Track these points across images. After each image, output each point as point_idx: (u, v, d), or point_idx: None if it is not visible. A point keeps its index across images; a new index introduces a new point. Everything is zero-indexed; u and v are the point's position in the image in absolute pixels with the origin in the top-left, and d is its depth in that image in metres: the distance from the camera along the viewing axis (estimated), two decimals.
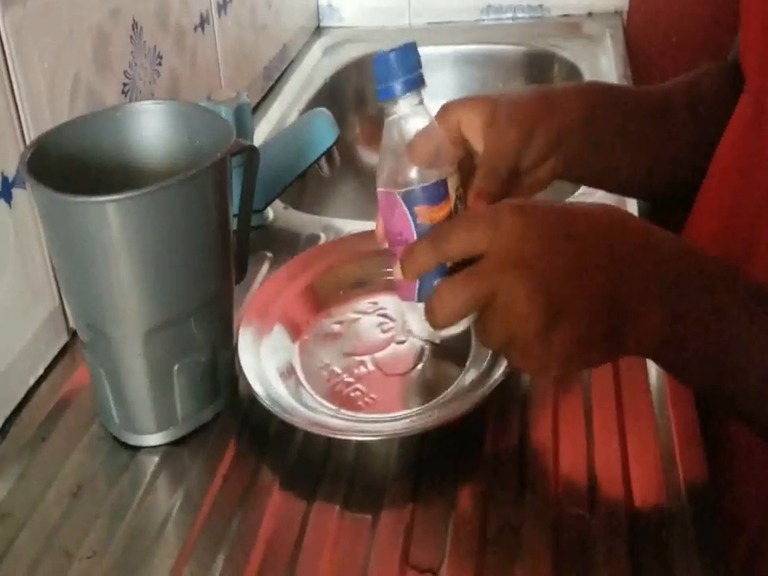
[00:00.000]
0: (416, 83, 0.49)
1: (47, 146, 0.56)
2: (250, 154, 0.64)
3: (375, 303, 0.72)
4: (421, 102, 0.49)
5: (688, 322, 0.47)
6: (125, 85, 0.75)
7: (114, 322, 0.54)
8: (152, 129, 0.62)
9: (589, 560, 0.50)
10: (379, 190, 0.50)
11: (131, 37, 0.76)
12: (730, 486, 0.61)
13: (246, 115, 0.80)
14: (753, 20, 0.63)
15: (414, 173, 0.48)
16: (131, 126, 0.61)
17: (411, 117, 0.49)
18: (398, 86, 0.48)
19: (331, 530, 0.53)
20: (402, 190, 0.48)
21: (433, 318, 0.47)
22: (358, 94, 1.33)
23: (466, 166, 0.56)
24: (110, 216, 0.51)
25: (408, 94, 0.49)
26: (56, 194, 0.50)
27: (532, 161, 0.58)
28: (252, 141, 0.83)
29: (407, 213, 0.48)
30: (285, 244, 0.83)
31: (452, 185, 0.49)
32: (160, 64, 0.82)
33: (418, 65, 0.49)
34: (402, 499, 0.55)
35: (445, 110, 0.57)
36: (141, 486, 0.56)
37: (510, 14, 1.38)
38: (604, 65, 1.21)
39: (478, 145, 0.57)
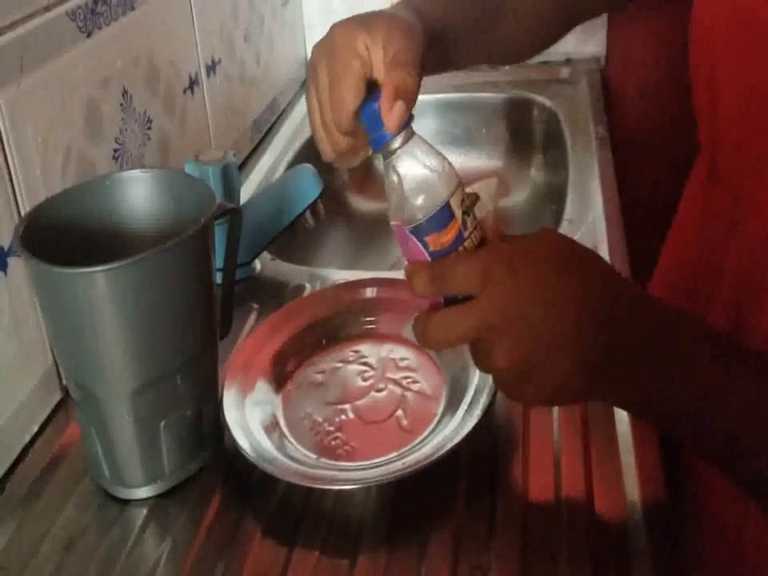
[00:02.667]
0: (403, 125, 0.51)
1: (39, 218, 0.60)
2: (233, 216, 0.68)
3: (357, 352, 0.75)
4: (412, 135, 0.52)
5: (668, 385, 0.50)
6: (115, 150, 0.79)
7: (102, 383, 0.58)
8: (140, 196, 0.66)
9: None
10: (392, 223, 0.53)
11: (121, 104, 0.80)
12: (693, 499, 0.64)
13: (232, 174, 0.84)
14: (702, 91, 0.66)
15: (416, 210, 0.51)
16: (120, 194, 0.65)
17: (406, 155, 0.51)
18: (386, 134, 0.51)
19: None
20: (410, 226, 0.51)
21: (423, 342, 0.50)
22: None
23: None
24: (99, 285, 0.54)
25: (397, 136, 0.51)
26: (47, 265, 0.54)
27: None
28: (239, 198, 0.87)
29: (419, 244, 0.51)
30: (271, 295, 0.87)
31: (456, 202, 0.51)
32: (150, 128, 0.87)
33: None
34: (378, 544, 0.58)
35: (346, 35, 0.55)
36: (130, 537, 0.59)
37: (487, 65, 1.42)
38: (581, 109, 1.26)
39: (378, 52, 0.55)
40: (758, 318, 0.64)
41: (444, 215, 0.50)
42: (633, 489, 0.59)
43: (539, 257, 0.48)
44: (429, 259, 0.51)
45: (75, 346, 0.57)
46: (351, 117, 0.54)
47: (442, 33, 0.63)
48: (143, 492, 0.62)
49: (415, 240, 0.51)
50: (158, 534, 0.60)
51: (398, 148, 0.51)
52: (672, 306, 0.51)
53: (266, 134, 1.26)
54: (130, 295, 0.55)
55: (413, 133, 0.52)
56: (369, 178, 1.36)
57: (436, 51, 0.61)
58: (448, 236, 0.50)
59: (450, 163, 0.52)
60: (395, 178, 0.52)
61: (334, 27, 0.57)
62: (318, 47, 0.58)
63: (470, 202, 0.52)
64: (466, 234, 0.51)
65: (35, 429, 0.69)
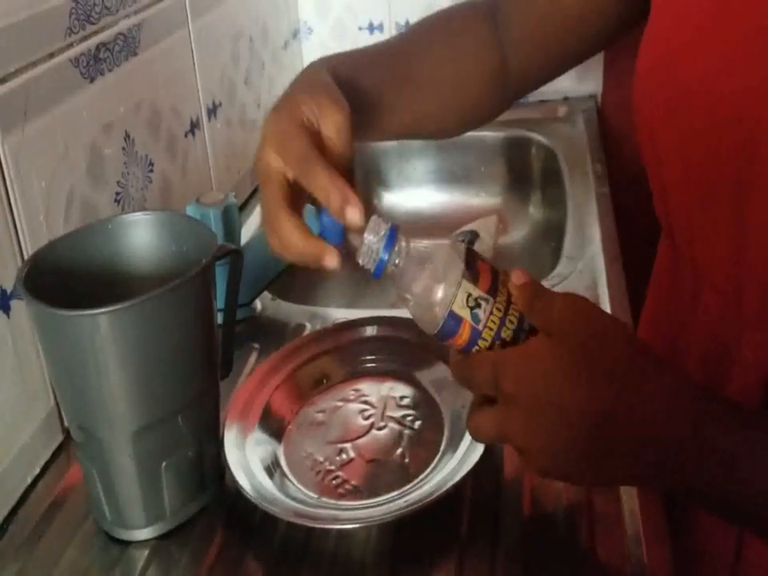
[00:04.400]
0: (390, 244, 0.51)
1: (42, 261, 0.61)
2: (234, 257, 0.69)
3: (357, 390, 0.76)
4: (405, 246, 0.52)
5: (698, 474, 0.49)
6: (117, 194, 0.80)
7: (104, 425, 0.58)
8: (141, 238, 0.66)
9: None
10: None
11: (123, 148, 0.82)
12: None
13: (233, 216, 0.85)
14: (650, 163, 0.66)
15: (426, 325, 0.53)
16: (122, 237, 0.66)
17: (405, 267, 0.52)
18: (380, 262, 0.51)
19: None
20: (429, 334, 0.53)
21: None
22: None
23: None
24: (101, 327, 0.55)
25: (388, 256, 0.51)
26: (49, 308, 0.55)
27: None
28: (239, 238, 0.88)
29: (444, 342, 0.53)
30: (272, 335, 0.87)
31: (460, 304, 0.51)
32: (152, 171, 0.88)
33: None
34: None
35: (277, 118, 0.54)
36: None
37: None
38: (579, 146, 1.27)
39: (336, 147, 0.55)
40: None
41: (451, 323, 0.52)
42: (633, 527, 0.59)
43: (548, 360, 0.49)
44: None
45: (77, 387, 0.58)
46: (289, 227, 0.51)
47: (361, 98, 0.62)
48: (144, 533, 0.62)
49: (439, 341, 0.53)
50: (159, 575, 0.59)
51: (395, 261, 0.52)
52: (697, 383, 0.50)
53: None
54: (132, 337, 0.56)
55: (405, 242, 0.52)
56: (367, 215, 1.37)
57: (359, 117, 0.58)
58: (462, 338, 0.52)
59: (448, 252, 0.52)
60: (401, 289, 0.53)
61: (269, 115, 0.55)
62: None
63: (478, 296, 0.51)
64: (480, 327, 0.51)
65: (37, 471, 0.69)
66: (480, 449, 0.63)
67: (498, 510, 0.62)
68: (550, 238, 1.20)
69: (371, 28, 1.41)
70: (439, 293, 0.51)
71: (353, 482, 0.65)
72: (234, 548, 0.61)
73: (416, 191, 1.38)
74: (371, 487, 0.65)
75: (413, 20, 1.39)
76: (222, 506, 0.65)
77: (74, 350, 0.56)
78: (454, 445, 0.66)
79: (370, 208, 1.39)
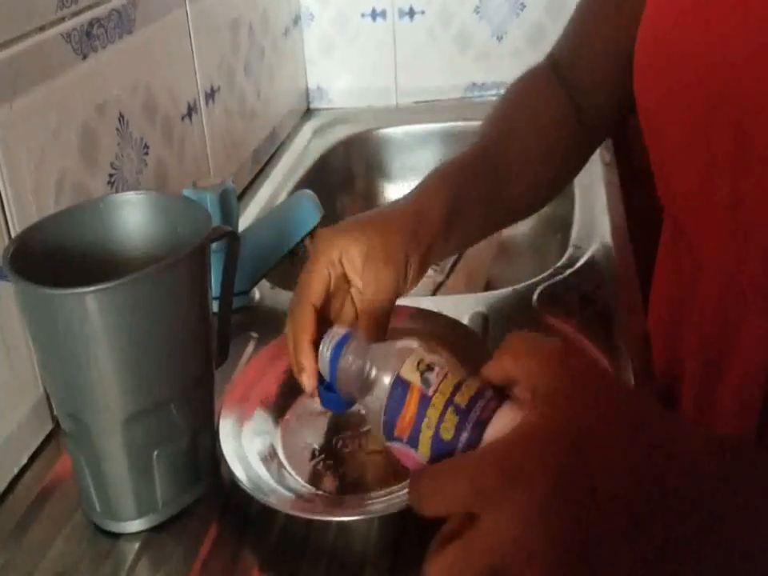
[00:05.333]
0: (338, 346, 0.51)
1: (30, 240, 0.58)
2: (231, 240, 0.66)
3: None
4: (359, 346, 0.51)
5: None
6: (111, 176, 0.78)
7: (93, 411, 0.56)
8: (134, 219, 0.64)
9: None
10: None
11: (117, 129, 0.79)
12: None
13: (230, 200, 0.82)
14: (653, 147, 0.65)
15: (374, 422, 0.47)
16: (114, 218, 0.63)
17: (359, 368, 0.49)
18: (331, 365, 0.51)
19: None
20: (384, 436, 0.47)
21: None
22: (346, 173, 1.36)
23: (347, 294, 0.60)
24: (89, 307, 0.52)
25: (334, 355, 0.51)
26: (35, 286, 0.52)
27: (412, 279, 0.61)
28: (237, 225, 0.86)
29: (395, 445, 0.47)
30: (270, 324, 0.84)
31: (409, 367, 0.46)
32: (147, 154, 0.85)
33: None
34: None
35: (326, 244, 0.59)
36: (121, 573, 0.56)
37: (493, 91, 1.42)
38: None
39: (358, 282, 0.60)
40: (722, 394, 0.62)
41: (398, 393, 0.45)
42: None
43: (535, 458, 0.38)
44: (417, 458, 0.45)
45: (65, 372, 0.55)
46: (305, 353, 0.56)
47: (460, 210, 0.64)
48: (135, 525, 0.59)
49: (394, 445, 0.47)
50: (150, 569, 0.57)
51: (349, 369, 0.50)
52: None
53: (265, 165, 1.25)
54: (122, 318, 0.53)
55: (360, 342, 0.51)
56: (369, 208, 1.35)
57: (456, 227, 0.63)
58: (409, 412, 0.44)
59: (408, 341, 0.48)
60: (361, 401, 0.49)
61: (317, 237, 0.61)
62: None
63: (431, 361, 0.46)
64: (430, 392, 0.44)
65: (24, 461, 0.67)
66: None
67: None
68: (557, 229, 1.17)
69: (374, 15, 1.39)
70: (388, 368, 0.47)
71: (353, 474, 0.63)
72: (230, 541, 0.59)
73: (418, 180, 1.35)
74: (373, 479, 0.62)
75: (416, 7, 1.37)
76: (217, 498, 0.62)
77: (61, 332, 0.53)
78: None
79: (368, 199, 1.37)
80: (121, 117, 0.80)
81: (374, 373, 0.48)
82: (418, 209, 0.61)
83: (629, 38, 0.64)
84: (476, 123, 1.42)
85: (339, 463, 0.64)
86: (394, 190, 1.37)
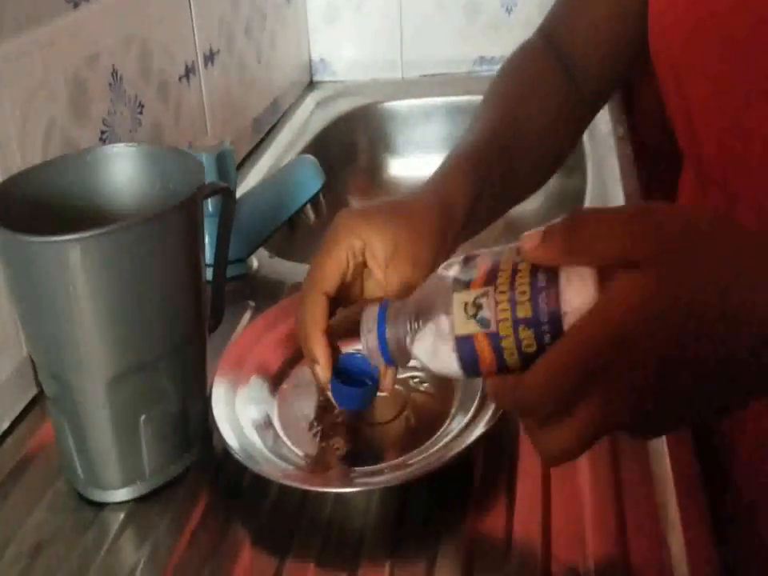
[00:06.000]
0: (381, 320, 0.49)
1: (12, 190, 0.55)
2: (225, 197, 0.62)
3: (359, 350, 0.69)
4: (400, 309, 0.48)
5: None
6: (103, 133, 0.74)
7: (76, 371, 0.52)
8: (124, 173, 0.60)
9: None
10: None
11: (110, 84, 0.75)
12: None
13: (228, 162, 0.79)
14: (672, 92, 0.63)
15: (454, 376, 0.45)
16: (102, 170, 0.60)
17: (406, 332, 0.47)
18: (381, 343, 0.48)
19: None
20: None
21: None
22: (349, 147, 1.33)
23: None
24: (71, 257, 0.49)
25: (383, 330, 0.48)
26: (14, 234, 0.49)
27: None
28: (235, 188, 0.82)
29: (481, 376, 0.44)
30: (268, 293, 0.81)
31: (461, 321, 0.42)
32: (141, 113, 0.82)
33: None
34: (380, 555, 0.51)
35: (348, 230, 0.55)
36: (104, 544, 0.53)
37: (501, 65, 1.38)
38: None
39: (379, 274, 0.56)
40: None
41: (466, 351, 0.42)
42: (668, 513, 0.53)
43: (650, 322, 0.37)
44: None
45: (45, 327, 0.52)
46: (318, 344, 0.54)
47: (482, 195, 0.61)
48: (121, 494, 0.56)
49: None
50: (135, 540, 0.53)
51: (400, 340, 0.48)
52: None
53: (266, 136, 1.21)
54: (106, 270, 0.50)
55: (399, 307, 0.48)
56: (372, 183, 1.31)
57: (477, 212, 0.61)
58: (487, 356, 0.42)
59: (435, 283, 0.45)
60: (422, 364, 0.47)
61: (339, 218, 0.56)
62: (325, 236, 0.57)
63: (475, 297, 0.42)
64: (494, 327, 0.41)
65: (5, 426, 0.64)
66: (491, 410, 0.57)
67: (514, 478, 0.56)
68: (568, 205, 1.13)
69: None
70: (439, 329, 0.44)
71: (352, 446, 0.59)
72: (220, 512, 0.55)
73: (424, 158, 1.31)
74: (374, 451, 0.59)
75: None
76: (208, 467, 0.59)
77: (41, 285, 0.50)
78: (465, 408, 0.60)
79: (372, 174, 1.33)
80: (114, 72, 0.76)
81: (428, 335, 0.45)
82: (444, 202, 0.58)
83: (626, 3, 0.64)
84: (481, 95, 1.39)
85: (337, 435, 0.60)
86: (399, 166, 1.34)
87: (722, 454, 0.64)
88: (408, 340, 0.47)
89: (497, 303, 0.41)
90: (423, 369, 0.49)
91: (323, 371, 0.54)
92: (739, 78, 0.55)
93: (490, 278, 0.42)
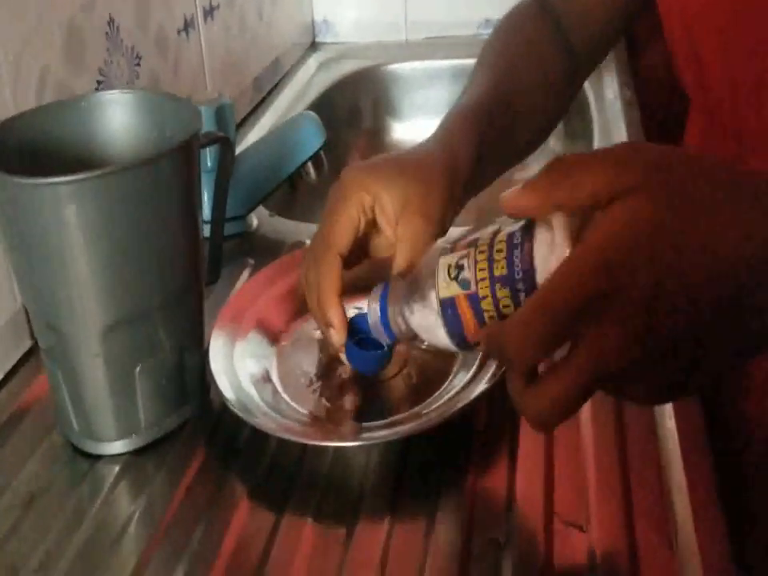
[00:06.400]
0: (383, 296, 0.50)
1: (5, 134, 0.53)
2: (223, 147, 0.61)
3: (359, 309, 0.68)
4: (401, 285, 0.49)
5: None
6: (99, 83, 0.73)
7: (70, 318, 0.51)
8: (120, 119, 0.59)
9: None
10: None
11: (107, 33, 0.74)
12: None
13: (227, 116, 0.77)
14: (678, 37, 0.61)
15: (443, 346, 0.46)
16: (97, 117, 0.58)
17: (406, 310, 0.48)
18: (383, 321, 0.50)
19: (301, 545, 0.48)
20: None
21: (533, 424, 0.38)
22: (352, 109, 1.30)
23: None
24: (64, 199, 0.47)
25: (384, 305, 0.50)
26: (5, 175, 0.47)
27: (444, 232, 0.56)
28: (234, 141, 0.80)
29: (468, 349, 0.46)
30: (268, 251, 0.80)
31: (443, 284, 0.43)
32: (139, 65, 0.80)
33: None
34: (380, 512, 0.50)
35: (357, 184, 0.53)
36: (98, 496, 0.52)
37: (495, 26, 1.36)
38: (605, 71, 1.18)
39: (389, 231, 0.54)
40: None
41: (449, 314, 0.43)
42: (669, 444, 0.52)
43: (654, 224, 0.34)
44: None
45: (39, 274, 0.50)
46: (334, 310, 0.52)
47: (484, 152, 0.59)
48: (116, 447, 0.55)
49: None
50: (130, 493, 0.53)
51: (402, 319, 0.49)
52: None
53: (267, 96, 1.19)
54: (101, 215, 0.48)
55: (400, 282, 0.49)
56: (375, 147, 1.29)
57: (482, 168, 0.59)
58: (469, 320, 0.42)
59: (429, 255, 0.46)
60: (420, 337, 0.48)
61: (347, 173, 0.54)
62: (331, 190, 0.55)
63: (457, 259, 0.42)
64: (474, 288, 0.41)
65: (0, 377, 0.62)
66: (494, 367, 0.56)
67: (517, 433, 0.55)
68: None
69: None
70: (429, 299, 0.44)
71: (352, 402, 0.58)
72: (217, 467, 0.54)
73: (428, 122, 1.28)
74: (374, 408, 0.58)
75: None
76: (205, 422, 0.58)
77: (35, 229, 0.49)
78: (467, 366, 0.59)
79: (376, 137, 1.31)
80: (111, 21, 0.74)
81: (420, 305, 0.46)
82: (450, 154, 0.56)
83: None
84: None
85: (337, 391, 0.59)
86: (402, 129, 1.32)
87: (729, 409, 0.63)
88: (407, 314, 0.47)
89: (476, 263, 0.41)
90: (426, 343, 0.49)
91: (338, 335, 0.52)
92: (752, 27, 0.54)
93: (473, 242, 0.42)
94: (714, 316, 0.34)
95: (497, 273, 0.40)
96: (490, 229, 0.43)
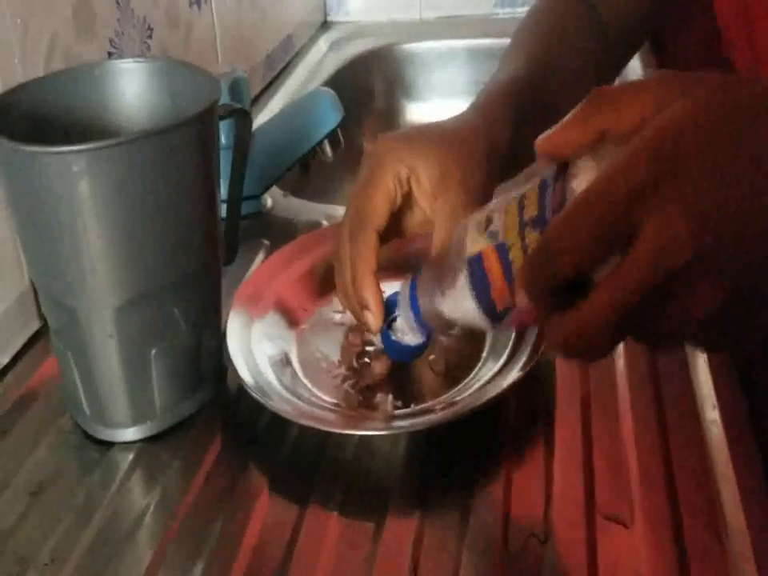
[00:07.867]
0: (413, 294, 0.49)
1: (13, 101, 0.50)
2: (241, 119, 0.58)
3: (382, 291, 0.65)
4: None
5: None
6: (110, 54, 0.70)
7: (82, 296, 0.48)
8: (134, 89, 0.56)
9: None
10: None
11: (118, 3, 0.70)
12: None
13: (242, 90, 0.74)
14: (732, 16, 0.59)
15: (470, 319, 0.43)
16: (111, 86, 0.55)
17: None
18: (415, 316, 0.48)
19: (327, 540, 0.46)
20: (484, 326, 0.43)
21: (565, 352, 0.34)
22: (365, 90, 1.27)
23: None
24: (76, 169, 0.44)
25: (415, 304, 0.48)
26: (16, 144, 0.44)
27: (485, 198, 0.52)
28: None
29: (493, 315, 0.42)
30: (283, 232, 0.77)
31: (472, 239, 0.40)
32: (150, 37, 0.77)
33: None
34: (409, 504, 0.48)
35: (393, 155, 0.50)
36: (111, 485, 0.49)
37: (523, 7, 1.32)
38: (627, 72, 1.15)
39: (425, 204, 0.51)
40: None
41: (476, 270, 0.39)
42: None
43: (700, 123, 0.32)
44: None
45: (49, 248, 0.47)
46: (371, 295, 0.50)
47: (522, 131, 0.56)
48: (129, 434, 0.52)
49: (506, 322, 0.41)
50: (145, 482, 0.50)
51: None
52: None
53: (278, 75, 1.16)
54: (115, 186, 0.45)
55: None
56: (389, 128, 1.26)
57: (518, 147, 0.55)
58: (495, 274, 0.39)
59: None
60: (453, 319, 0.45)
61: (380, 143, 0.51)
62: (363, 161, 0.52)
63: (488, 213, 0.39)
64: (501, 237, 0.38)
65: (6, 360, 0.60)
66: (525, 355, 0.53)
67: (553, 421, 0.52)
68: None
69: None
70: (455, 270, 0.41)
71: (374, 389, 0.55)
72: (235, 454, 0.52)
73: (444, 103, 1.26)
74: (400, 395, 0.55)
75: None
76: (223, 407, 0.55)
77: (46, 201, 0.46)
78: (497, 353, 0.56)
79: (389, 119, 1.28)
80: None
81: (450, 279, 0.42)
82: (490, 126, 0.54)
83: None
84: (504, 41, 1.33)
85: (361, 377, 0.56)
86: (416, 109, 1.28)
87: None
88: (438, 302, 0.45)
89: (506, 212, 0.38)
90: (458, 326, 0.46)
91: (375, 319, 0.49)
92: None
93: (506, 199, 0.39)
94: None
95: (527, 216, 0.37)
96: (523, 187, 0.39)
